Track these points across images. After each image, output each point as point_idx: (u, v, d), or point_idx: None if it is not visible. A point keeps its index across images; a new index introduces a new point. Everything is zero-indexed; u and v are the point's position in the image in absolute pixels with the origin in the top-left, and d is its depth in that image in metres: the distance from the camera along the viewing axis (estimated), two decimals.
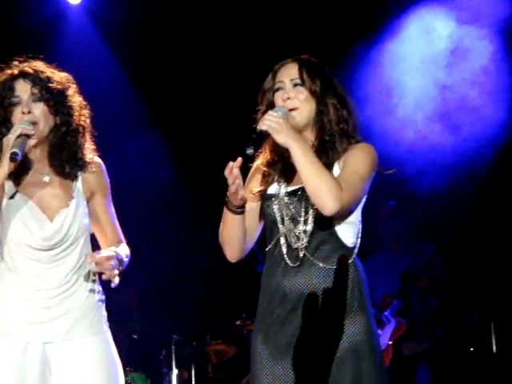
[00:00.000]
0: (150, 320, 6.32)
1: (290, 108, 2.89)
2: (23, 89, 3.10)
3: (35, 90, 3.09)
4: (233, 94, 6.43)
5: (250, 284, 6.15)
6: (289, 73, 2.93)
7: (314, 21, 6.29)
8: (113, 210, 3.27)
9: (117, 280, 3.01)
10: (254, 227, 3.01)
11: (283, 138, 2.75)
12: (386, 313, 5.63)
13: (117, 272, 3.02)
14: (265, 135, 2.77)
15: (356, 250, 2.90)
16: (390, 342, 5.59)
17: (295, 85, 2.91)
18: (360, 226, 2.92)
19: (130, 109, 6.59)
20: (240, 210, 2.89)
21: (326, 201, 2.72)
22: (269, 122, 2.75)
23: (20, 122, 3.04)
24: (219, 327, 6.31)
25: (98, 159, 3.23)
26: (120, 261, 3.09)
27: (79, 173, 3.17)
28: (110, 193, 3.26)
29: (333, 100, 2.90)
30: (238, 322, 6.08)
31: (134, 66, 6.59)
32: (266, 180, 2.98)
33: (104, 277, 3.00)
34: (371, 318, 2.87)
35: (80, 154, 3.17)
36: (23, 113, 3.06)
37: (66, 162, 3.15)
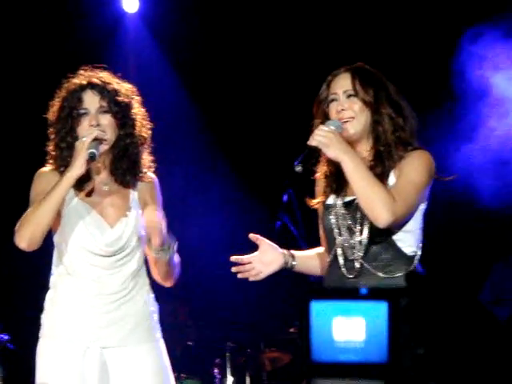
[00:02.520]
0: (205, 327, 6.33)
1: (344, 119, 2.88)
2: (91, 100, 3.14)
3: (103, 103, 3.14)
4: (291, 106, 6.43)
5: (304, 292, 6.16)
6: (342, 83, 2.92)
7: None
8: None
9: (167, 256, 3.05)
10: None
11: (333, 152, 2.75)
12: None
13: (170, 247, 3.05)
14: (315, 150, 2.77)
15: (417, 258, 2.87)
16: None
17: (349, 96, 2.90)
18: (420, 233, 2.89)
19: (186, 116, 6.62)
20: (289, 267, 3.02)
21: (379, 214, 2.72)
22: (319, 138, 2.76)
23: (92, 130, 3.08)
24: (273, 334, 6.29)
25: (152, 174, 3.27)
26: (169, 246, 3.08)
27: (137, 183, 3.22)
28: (162, 208, 3.27)
29: (387, 109, 2.87)
30: (291, 329, 6.06)
31: (190, 72, 6.62)
32: (325, 191, 2.98)
33: (155, 243, 3.02)
34: (433, 326, 2.80)
35: (139, 164, 3.22)
36: (91, 125, 3.10)
37: (127, 172, 3.19)
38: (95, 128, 3.08)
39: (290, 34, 6.48)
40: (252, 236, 3.03)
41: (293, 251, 3.08)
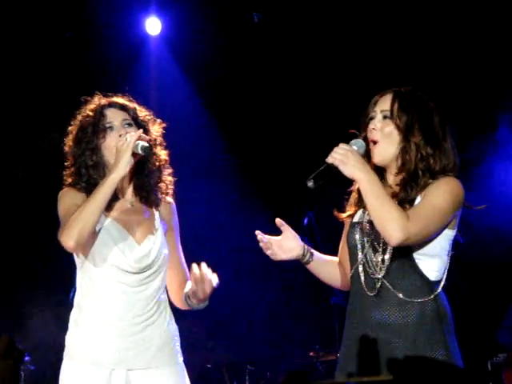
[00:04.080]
0: (225, 349, 6.32)
1: (371, 140, 2.90)
2: (114, 115, 3.18)
3: (127, 116, 3.18)
4: (315, 128, 6.45)
5: (324, 315, 6.16)
6: (382, 103, 2.93)
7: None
8: (181, 249, 3.32)
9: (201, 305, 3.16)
10: None
11: (349, 170, 2.76)
12: None
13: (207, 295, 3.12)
14: (332, 168, 2.78)
15: (441, 284, 2.85)
16: None
17: (384, 117, 2.90)
18: (446, 260, 2.87)
19: (206, 138, 6.64)
20: (305, 261, 3.05)
21: (391, 232, 2.71)
22: (336, 155, 2.77)
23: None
24: (293, 358, 6.27)
25: (170, 199, 3.29)
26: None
27: (160, 203, 3.24)
28: (179, 233, 3.32)
29: (417, 137, 2.86)
30: (311, 353, 6.04)
31: (211, 95, 6.64)
32: (354, 207, 2.99)
33: (195, 296, 3.10)
34: (453, 352, 2.81)
35: (162, 184, 3.24)
36: (120, 135, 3.11)
37: (151, 191, 3.21)
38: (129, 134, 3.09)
39: (310, 55, 6.51)
40: (278, 221, 3.05)
41: (313, 250, 3.09)
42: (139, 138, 3.05)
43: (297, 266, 3.17)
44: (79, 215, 2.98)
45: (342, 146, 2.80)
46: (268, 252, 3.04)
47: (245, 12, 6.55)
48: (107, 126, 3.16)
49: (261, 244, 3.04)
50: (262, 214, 6.31)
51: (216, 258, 6.22)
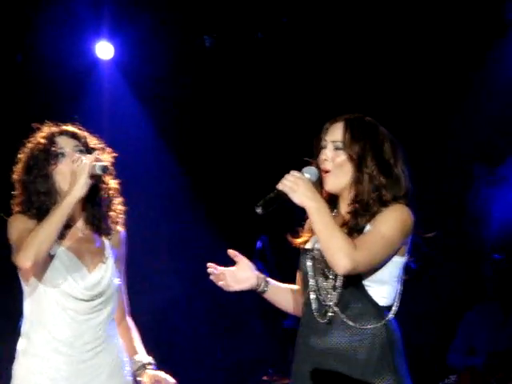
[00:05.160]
0: (178, 373, 6.27)
1: (323, 170, 2.91)
2: (65, 142, 3.21)
3: (78, 143, 3.20)
4: (267, 153, 6.47)
5: (277, 338, 6.15)
6: (333, 133, 2.93)
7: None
8: (125, 279, 3.34)
9: None
10: None
11: (299, 198, 2.77)
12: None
13: None
14: (281, 195, 2.79)
15: (392, 310, 2.88)
16: None
17: (336, 148, 2.91)
18: (397, 286, 2.89)
19: (160, 163, 6.62)
20: (261, 291, 3.04)
21: (337, 261, 2.73)
22: (286, 182, 2.79)
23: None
24: (246, 382, 6.25)
25: (120, 228, 3.31)
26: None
27: (111, 232, 3.24)
28: (125, 262, 3.34)
29: (370, 167, 2.86)
30: (264, 377, 6.03)
31: (164, 120, 6.63)
32: (308, 233, 3.00)
33: None
34: (403, 377, 2.84)
35: (112, 212, 3.25)
36: (73, 160, 3.11)
37: (102, 220, 3.23)
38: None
39: (262, 79, 6.54)
40: (231, 252, 3.05)
41: (269, 278, 3.09)
42: (95, 160, 3.05)
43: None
44: (36, 236, 2.99)
45: (292, 173, 2.82)
46: (220, 283, 3.03)
47: (196, 36, 6.57)
48: (59, 152, 3.17)
49: (211, 277, 3.03)
50: (215, 236, 6.35)
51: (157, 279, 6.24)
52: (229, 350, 6.78)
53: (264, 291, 3.06)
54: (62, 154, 3.18)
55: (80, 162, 3.07)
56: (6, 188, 3.27)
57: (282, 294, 3.10)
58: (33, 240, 2.99)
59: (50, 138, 3.19)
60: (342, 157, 2.89)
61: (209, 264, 3.04)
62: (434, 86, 6.24)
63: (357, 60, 6.29)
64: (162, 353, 6.15)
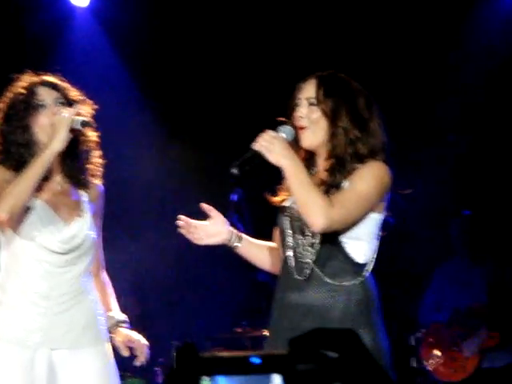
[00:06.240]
0: (151, 326, 6.29)
1: (299, 127, 2.90)
2: (47, 94, 3.15)
3: (59, 95, 3.15)
4: (245, 102, 6.43)
5: (251, 291, 6.18)
6: (307, 90, 2.93)
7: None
8: (101, 234, 3.33)
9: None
10: None
11: (274, 157, 2.78)
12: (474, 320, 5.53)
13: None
14: (257, 155, 2.80)
15: (368, 267, 2.89)
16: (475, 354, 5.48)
17: (310, 104, 2.91)
18: (374, 242, 2.91)
19: (137, 114, 6.56)
20: (232, 246, 3.04)
21: (314, 218, 2.75)
22: (262, 141, 2.79)
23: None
24: (219, 334, 6.28)
25: (99, 181, 3.29)
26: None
27: (89, 185, 3.23)
28: (102, 217, 3.32)
29: (345, 122, 2.87)
30: (238, 329, 6.07)
31: (142, 70, 6.56)
32: (287, 192, 3.00)
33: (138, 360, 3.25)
34: (379, 334, 2.86)
35: (90, 166, 3.23)
36: (55, 113, 3.08)
37: (80, 172, 3.20)
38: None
39: (246, 31, 6.48)
40: (204, 206, 3.04)
41: (242, 234, 3.08)
42: (76, 114, 3.03)
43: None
44: (14, 188, 2.97)
45: (268, 132, 2.82)
46: (190, 236, 3.02)
47: None
48: (40, 103, 3.13)
49: (181, 230, 3.01)
50: (190, 190, 6.33)
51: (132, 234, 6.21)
52: (201, 302, 6.80)
53: (236, 246, 3.06)
54: (43, 106, 3.13)
55: (60, 115, 3.03)
56: None
57: (257, 251, 3.10)
58: (10, 192, 2.97)
59: (31, 89, 3.13)
60: (317, 113, 2.89)
61: (179, 216, 3.03)
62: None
63: (334, 22, 6.28)
64: (136, 308, 6.24)
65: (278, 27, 6.38)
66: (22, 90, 3.14)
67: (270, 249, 3.11)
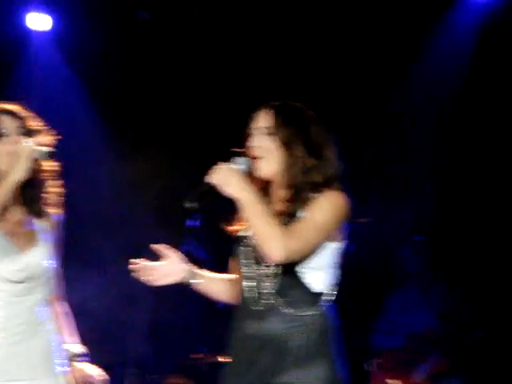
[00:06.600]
0: (107, 351, 6.23)
1: (254, 156, 2.90)
2: (8, 122, 3.13)
3: (19, 124, 3.14)
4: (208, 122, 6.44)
5: (211, 317, 6.15)
6: (261, 120, 2.94)
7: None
8: (59, 262, 3.29)
9: None
10: None
11: (230, 189, 2.78)
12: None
13: None
14: (211, 188, 2.79)
15: (327, 296, 2.89)
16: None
17: (265, 133, 2.91)
18: (332, 272, 2.90)
19: (95, 137, 6.53)
20: (190, 283, 3.03)
21: (270, 249, 2.74)
22: (217, 175, 2.79)
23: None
24: (177, 360, 6.24)
25: (56, 210, 3.27)
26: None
27: (46, 214, 3.21)
28: (61, 245, 3.30)
29: (300, 151, 2.87)
30: (196, 355, 6.03)
31: (102, 95, 6.54)
32: (242, 222, 2.99)
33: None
34: (336, 365, 2.86)
35: (49, 196, 3.22)
36: (15, 143, 3.07)
37: (36, 201, 3.18)
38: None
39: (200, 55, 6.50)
40: (157, 247, 3.00)
41: (201, 271, 3.07)
42: (39, 144, 3.04)
43: None
44: None
45: (221, 165, 2.82)
46: (145, 278, 2.99)
47: (132, 9, 6.49)
48: (1, 131, 3.10)
49: (135, 273, 2.98)
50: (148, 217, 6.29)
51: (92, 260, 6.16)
52: (162, 328, 6.75)
53: (191, 284, 3.04)
54: (3, 134, 3.11)
55: (23, 145, 3.03)
56: None
57: (214, 285, 3.08)
58: None
59: None
60: (272, 142, 2.89)
61: (132, 261, 2.99)
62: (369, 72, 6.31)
63: (294, 42, 6.31)
64: (99, 333, 6.18)
65: (231, 57, 6.43)
66: None
67: (229, 281, 3.08)
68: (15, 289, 3.09)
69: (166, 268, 3.00)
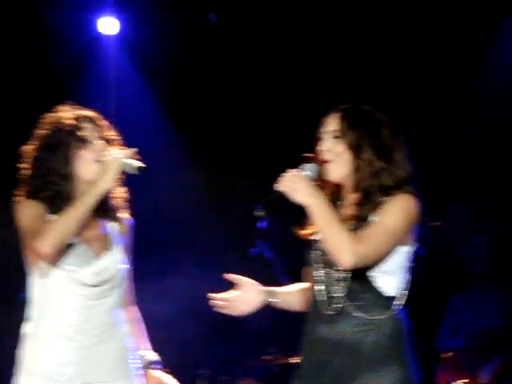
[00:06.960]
0: (180, 353, 6.26)
1: (323, 160, 2.90)
2: (91, 129, 3.14)
3: (102, 133, 3.15)
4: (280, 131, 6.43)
5: (282, 319, 6.14)
6: (330, 124, 2.94)
7: None
8: (131, 266, 3.31)
9: None
10: None
11: (299, 196, 2.78)
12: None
13: None
14: (281, 195, 2.80)
15: (399, 300, 2.87)
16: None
17: (334, 137, 2.91)
18: (404, 275, 2.89)
19: (166, 142, 6.57)
20: (271, 303, 3.06)
21: (341, 256, 2.74)
22: (286, 182, 2.80)
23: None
24: (249, 362, 6.24)
25: (127, 215, 3.29)
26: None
27: (118, 219, 3.25)
28: (132, 249, 3.32)
29: (369, 154, 2.86)
30: (268, 357, 6.02)
31: (171, 98, 6.58)
32: (313, 226, 2.98)
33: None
34: (409, 369, 2.85)
35: (120, 201, 3.25)
36: (104, 152, 3.09)
37: (110, 207, 3.21)
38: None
39: (270, 57, 6.48)
40: (230, 277, 3.06)
41: (274, 288, 3.10)
42: (128, 157, 3.05)
43: None
44: (59, 224, 2.97)
45: (290, 172, 2.83)
46: (226, 311, 3.05)
47: (203, 12, 6.52)
48: (86, 138, 3.12)
49: (215, 308, 3.03)
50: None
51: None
52: (235, 330, 6.76)
53: (273, 302, 3.08)
54: (88, 141, 3.12)
55: (111, 156, 3.04)
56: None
57: (291, 298, 3.11)
58: (56, 228, 2.96)
59: (76, 121, 3.12)
60: (340, 146, 2.90)
61: (210, 295, 3.04)
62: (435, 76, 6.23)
63: (370, 43, 6.27)
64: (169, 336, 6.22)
65: (301, 62, 6.40)
66: (68, 122, 3.12)
67: (302, 290, 3.09)
68: (91, 292, 3.11)
69: (243, 297, 3.04)
